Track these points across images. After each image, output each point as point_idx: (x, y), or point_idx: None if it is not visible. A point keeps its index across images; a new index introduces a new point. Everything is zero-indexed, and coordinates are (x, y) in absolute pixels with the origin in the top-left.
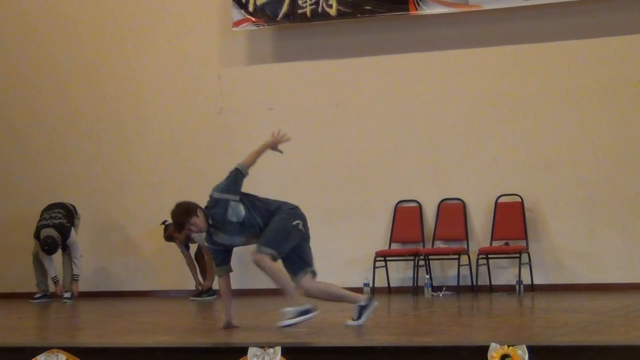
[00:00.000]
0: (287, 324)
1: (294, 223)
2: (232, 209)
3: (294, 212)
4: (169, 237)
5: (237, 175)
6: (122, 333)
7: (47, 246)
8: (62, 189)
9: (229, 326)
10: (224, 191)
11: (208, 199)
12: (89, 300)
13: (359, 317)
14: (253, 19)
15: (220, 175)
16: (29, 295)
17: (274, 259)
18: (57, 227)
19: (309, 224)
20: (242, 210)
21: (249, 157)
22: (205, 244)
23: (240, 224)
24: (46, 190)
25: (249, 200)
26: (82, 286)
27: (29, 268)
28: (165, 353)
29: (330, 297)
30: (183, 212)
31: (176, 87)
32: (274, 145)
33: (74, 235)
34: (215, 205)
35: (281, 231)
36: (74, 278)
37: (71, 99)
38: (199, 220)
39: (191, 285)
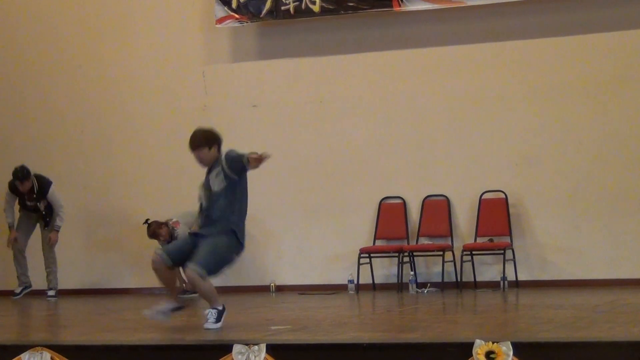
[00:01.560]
0: (212, 327)
1: (233, 256)
2: (215, 174)
3: (239, 245)
4: (152, 234)
5: (240, 158)
6: (107, 330)
7: (20, 171)
8: None
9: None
10: (227, 157)
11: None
12: (74, 297)
13: (218, 320)
14: (236, 15)
15: (204, 170)
16: (10, 293)
17: (203, 278)
18: (36, 176)
19: (294, 220)
20: (221, 184)
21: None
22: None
23: (208, 189)
24: None
25: (236, 190)
26: (67, 284)
27: (9, 264)
28: (150, 351)
29: (205, 293)
30: (205, 137)
31: (160, 84)
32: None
33: (54, 188)
34: (218, 159)
35: (218, 256)
36: (55, 228)
37: (54, 96)
38: (210, 154)
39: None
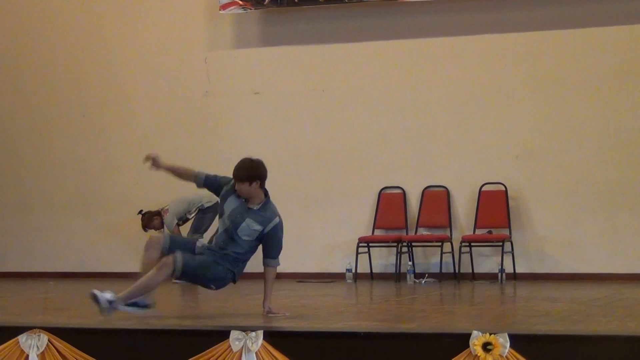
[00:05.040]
0: (123, 309)
1: (211, 284)
2: (255, 222)
3: (227, 282)
4: (146, 225)
5: (277, 255)
6: None
7: None
8: (46, 170)
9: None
10: (276, 230)
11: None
12: (73, 280)
13: (132, 306)
14: (240, 2)
15: (207, 158)
16: (8, 275)
17: (173, 272)
18: None
19: (293, 209)
20: (252, 236)
21: (271, 284)
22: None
23: (237, 227)
24: (30, 170)
25: (252, 247)
26: (65, 267)
27: (8, 246)
28: (147, 335)
29: (153, 281)
30: (252, 171)
31: (163, 69)
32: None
33: None
34: (265, 205)
35: (203, 271)
36: None
37: (56, 79)
38: (252, 190)
39: None
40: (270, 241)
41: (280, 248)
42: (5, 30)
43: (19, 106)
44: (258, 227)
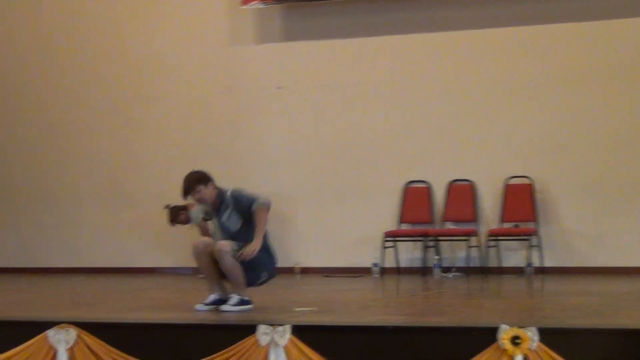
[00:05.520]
0: (229, 309)
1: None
2: (229, 213)
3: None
4: (173, 220)
5: (249, 203)
6: (133, 309)
7: None
8: (73, 166)
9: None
10: (237, 195)
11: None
12: (101, 275)
13: (238, 305)
14: None
15: (231, 153)
16: (34, 270)
17: (234, 256)
18: None
19: (319, 203)
20: (237, 224)
21: (259, 218)
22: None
23: (226, 231)
24: (58, 165)
25: (249, 225)
26: (94, 262)
27: (33, 241)
28: (176, 329)
29: (233, 274)
30: (197, 177)
31: (186, 64)
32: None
33: None
34: (222, 197)
35: (264, 260)
36: None
37: (82, 76)
38: (208, 191)
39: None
40: (243, 205)
41: (252, 197)
42: (32, 28)
43: (46, 103)
44: (230, 211)
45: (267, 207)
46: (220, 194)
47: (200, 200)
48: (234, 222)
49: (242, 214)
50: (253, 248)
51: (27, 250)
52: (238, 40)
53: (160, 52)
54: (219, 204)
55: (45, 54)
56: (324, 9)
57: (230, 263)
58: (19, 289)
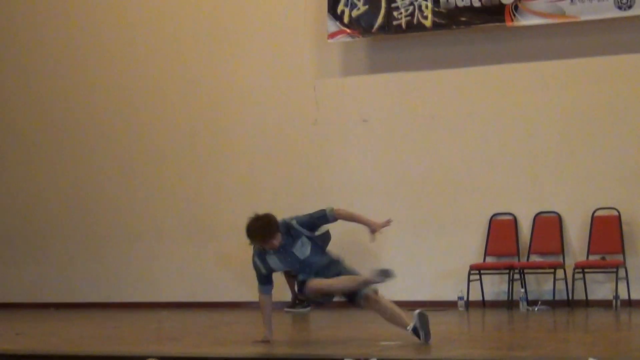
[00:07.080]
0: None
1: None
2: (300, 244)
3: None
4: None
5: (321, 217)
6: (219, 343)
7: None
8: (156, 198)
9: (266, 340)
10: (303, 225)
11: (284, 221)
12: (184, 310)
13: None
14: (348, 30)
15: (316, 186)
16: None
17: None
18: None
19: (403, 236)
20: (308, 249)
21: (346, 212)
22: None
23: (300, 261)
24: (141, 198)
25: (319, 245)
26: (177, 297)
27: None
28: None
29: (340, 286)
30: (269, 226)
31: (272, 97)
32: (374, 229)
33: None
34: (288, 232)
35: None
36: None
37: (168, 108)
38: (277, 239)
39: (285, 296)
40: (315, 222)
41: (315, 212)
42: (127, 60)
43: (130, 135)
44: (302, 240)
45: (332, 206)
46: (286, 227)
47: (271, 247)
48: (303, 250)
49: (313, 231)
50: (378, 224)
51: (110, 284)
52: (324, 73)
53: (247, 84)
54: (285, 244)
55: (135, 84)
56: (409, 41)
57: (337, 287)
58: (104, 324)
